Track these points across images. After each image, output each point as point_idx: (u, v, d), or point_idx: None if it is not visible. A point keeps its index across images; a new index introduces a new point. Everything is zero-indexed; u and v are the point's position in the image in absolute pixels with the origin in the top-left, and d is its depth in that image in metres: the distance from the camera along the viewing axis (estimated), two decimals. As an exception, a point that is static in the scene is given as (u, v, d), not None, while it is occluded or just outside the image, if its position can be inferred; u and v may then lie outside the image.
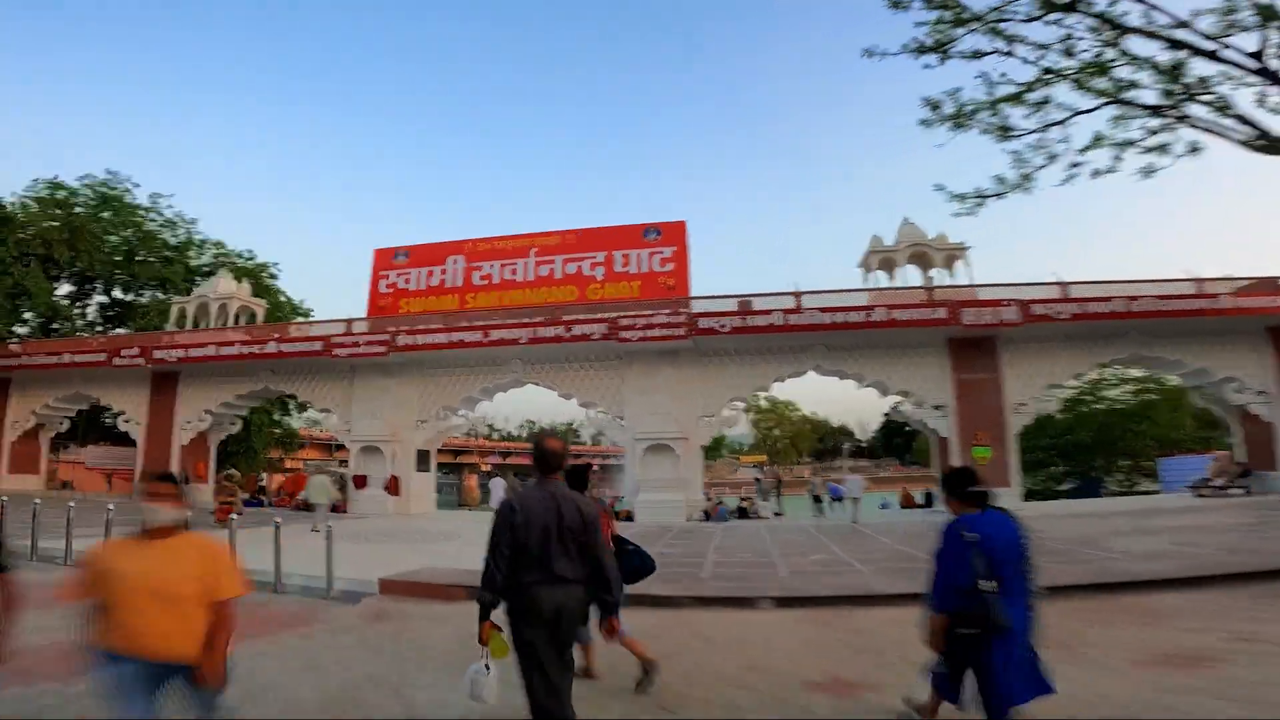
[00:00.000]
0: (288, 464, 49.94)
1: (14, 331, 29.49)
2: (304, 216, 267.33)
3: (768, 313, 19.97)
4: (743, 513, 20.75)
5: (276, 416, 36.72)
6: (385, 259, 25.80)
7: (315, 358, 23.73)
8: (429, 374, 23.59)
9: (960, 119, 9.59)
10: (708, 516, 20.26)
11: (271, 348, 24.34)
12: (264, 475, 31.33)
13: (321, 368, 24.90)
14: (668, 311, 20.70)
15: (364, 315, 25.05)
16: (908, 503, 23.17)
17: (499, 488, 24.95)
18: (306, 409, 36.69)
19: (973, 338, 19.97)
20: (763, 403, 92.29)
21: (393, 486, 22.94)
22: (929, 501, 22.92)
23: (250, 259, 37.55)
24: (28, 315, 30.19)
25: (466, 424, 24.61)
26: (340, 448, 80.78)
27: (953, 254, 21.04)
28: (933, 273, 21.67)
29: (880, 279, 22.11)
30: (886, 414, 23.57)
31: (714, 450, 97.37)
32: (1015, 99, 9.56)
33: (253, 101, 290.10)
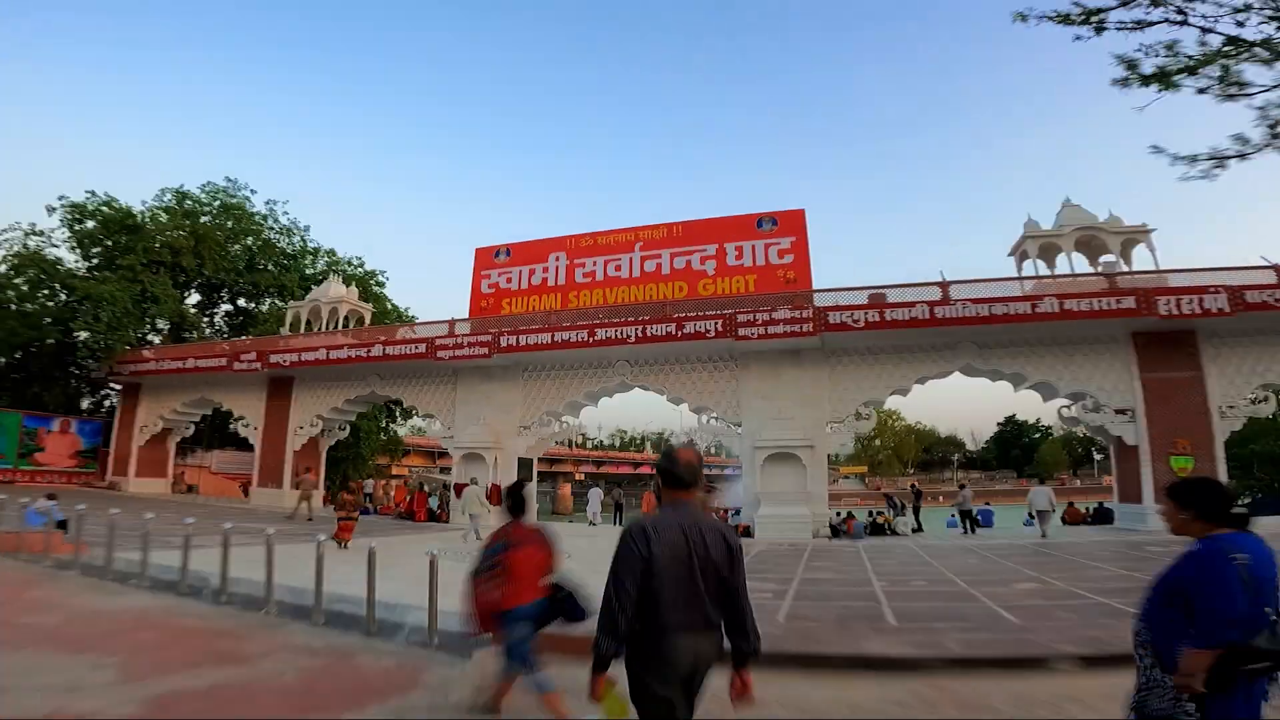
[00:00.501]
0: (394, 471, 50.81)
1: (146, 339, 30.76)
2: (407, 219, 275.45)
3: (910, 305, 17.23)
4: (877, 528, 18.01)
5: (383, 423, 36.90)
6: (486, 258, 24.88)
7: (419, 360, 22.98)
8: (532, 377, 22.30)
9: (1166, 78, 7.96)
10: (836, 533, 17.67)
11: (377, 351, 23.81)
12: (370, 482, 31.19)
13: (425, 371, 24.18)
14: (790, 306, 18.37)
15: (466, 317, 24.17)
16: (1074, 518, 19.57)
17: (596, 497, 23.33)
18: (411, 415, 36.79)
19: (1166, 331, 16.42)
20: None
21: (494, 496, 21.68)
22: (1102, 517, 19.28)
23: (359, 265, 38.15)
24: (160, 324, 31.46)
25: (569, 430, 23.19)
26: (443, 454, 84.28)
27: (1132, 238, 17.55)
28: (1107, 259, 18.20)
29: (1039, 268, 18.84)
30: (1062, 417, 20.16)
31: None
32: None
33: (352, 96, 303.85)
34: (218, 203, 34.21)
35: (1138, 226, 17.56)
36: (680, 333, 18.86)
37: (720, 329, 18.45)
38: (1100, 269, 17.67)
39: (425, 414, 24.36)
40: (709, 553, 2.62)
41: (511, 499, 4.46)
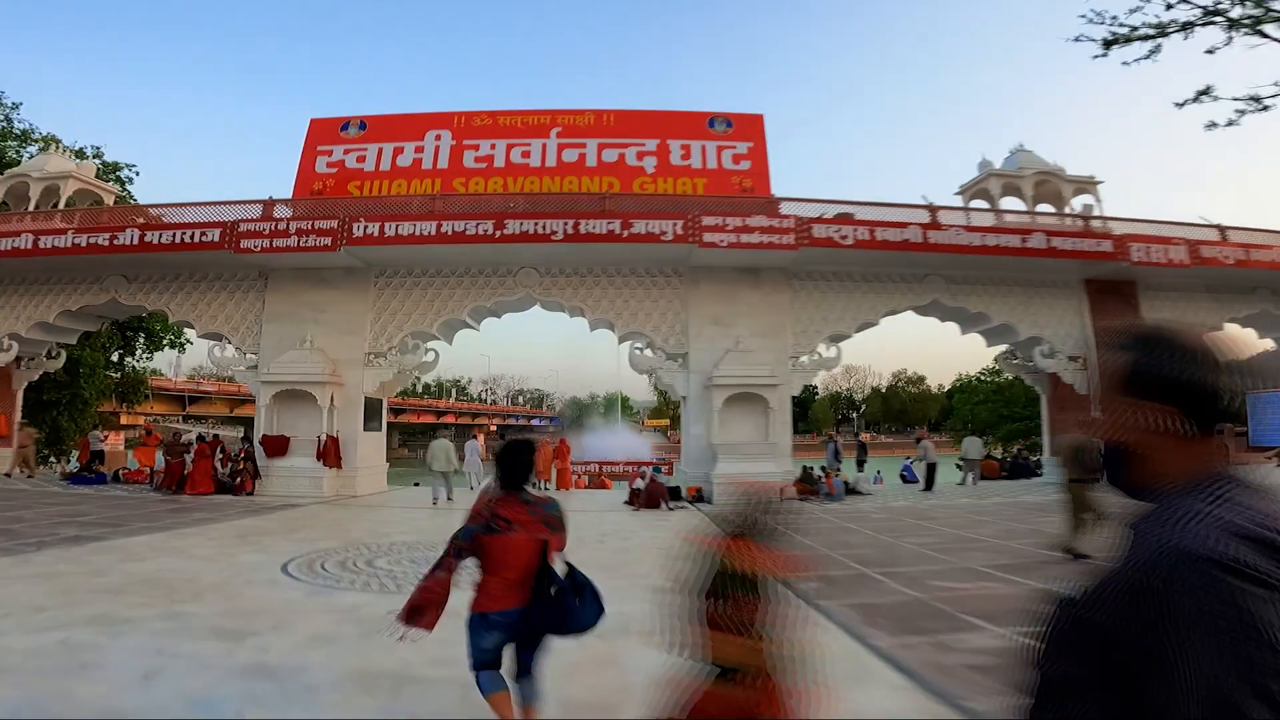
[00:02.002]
0: (124, 420, 36.38)
1: None
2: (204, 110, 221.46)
3: (901, 225, 14.07)
4: (845, 488, 14.68)
5: (115, 354, 25.05)
6: (327, 132, 16.84)
7: (206, 253, 14.42)
8: (391, 285, 15.13)
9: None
10: (807, 495, 13.89)
11: (128, 238, 14.62)
12: (100, 434, 20.30)
13: (212, 272, 15.52)
14: (764, 214, 14.18)
15: (288, 198, 15.98)
16: (991, 471, 18.23)
17: (473, 452, 16.97)
18: (160, 344, 25.62)
19: (1112, 280, 15.43)
20: None
21: (331, 453, 14.18)
22: (1019, 470, 18.24)
23: (98, 155, 25.65)
24: None
25: (436, 362, 16.25)
26: (198, 399, 66.12)
27: (1082, 187, 16.57)
28: (1084, 199, 16.85)
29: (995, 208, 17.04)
30: (1003, 364, 18.59)
31: (615, 408, 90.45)
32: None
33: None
34: None
35: (1087, 177, 16.61)
36: (627, 233, 13.56)
37: (680, 232, 13.56)
38: (1069, 211, 16.35)
39: (207, 334, 15.63)
40: None
41: (504, 464, 3.05)
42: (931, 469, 15.94)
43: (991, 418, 31.38)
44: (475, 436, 17.53)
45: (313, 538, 8.91)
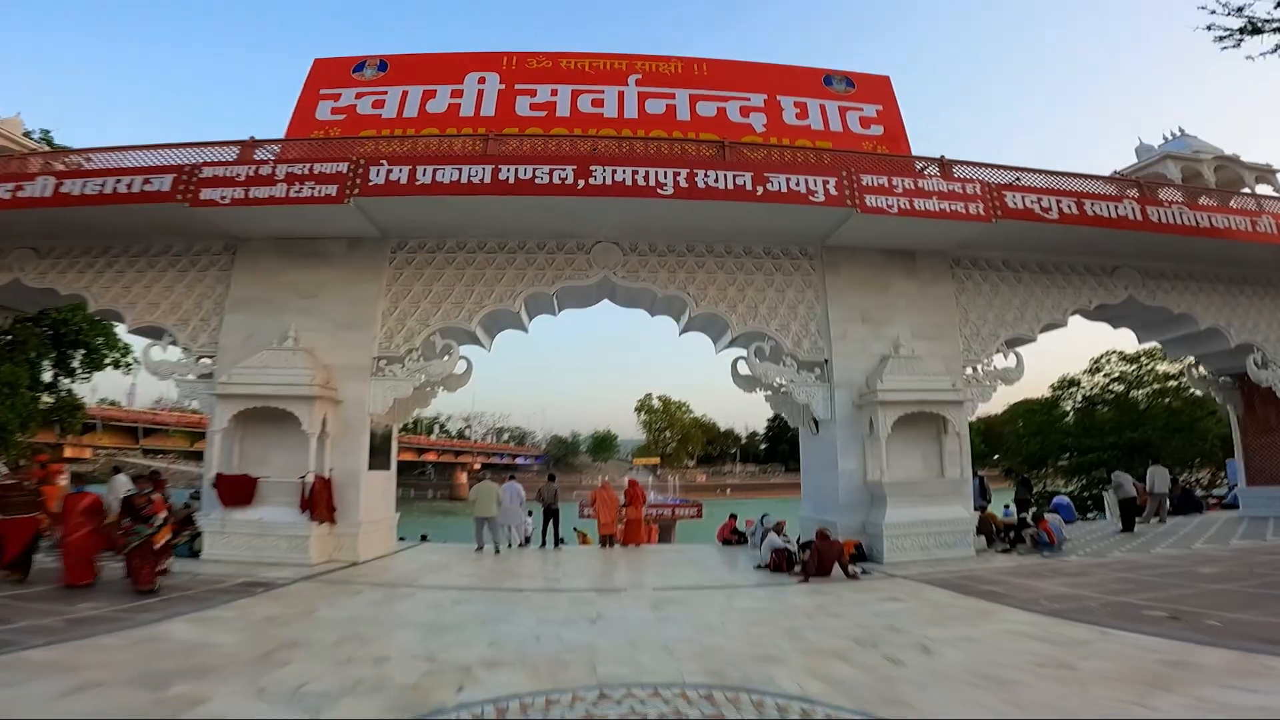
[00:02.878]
0: (69, 454, 29.25)
1: None
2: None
3: (1115, 199, 10.43)
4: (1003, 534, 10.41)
5: (45, 372, 18.99)
6: (335, 72, 12.42)
7: (151, 207, 9.67)
8: (417, 264, 10.49)
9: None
10: (996, 541, 9.58)
11: (40, 188, 9.77)
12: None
13: (156, 241, 10.69)
14: (938, 175, 10.34)
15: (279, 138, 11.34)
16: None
17: (514, 497, 12.15)
18: (104, 364, 19.83)
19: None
20: (655, 402, 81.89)
21: (322, 501, 9.21)
22: (1188, 504, 14.43)
23: (46, 140, 20.10)
24: None
25: (468, 375, 11.42)
26: (153, 432, 56.87)
27: (1263, 175, 13.40)
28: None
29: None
30: (1196, 376, 15.11)
31: (602, 446, 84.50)
32: None
33: None
34: None
35: (1264, 165, 13.56)
36: (761, 189, 9.46)
37: (833, 192, 9.54)
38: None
39: (141, 328, 10.61)
40: None
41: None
42: (1129, 505, 11.87)
43: (1048, 448, 27.70)
44: (513, 477, 12.61)
45: (315, 683, 4.10)
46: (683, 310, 10.97)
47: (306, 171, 9.63)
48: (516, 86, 12.06)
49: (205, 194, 9.63)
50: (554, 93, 11.98)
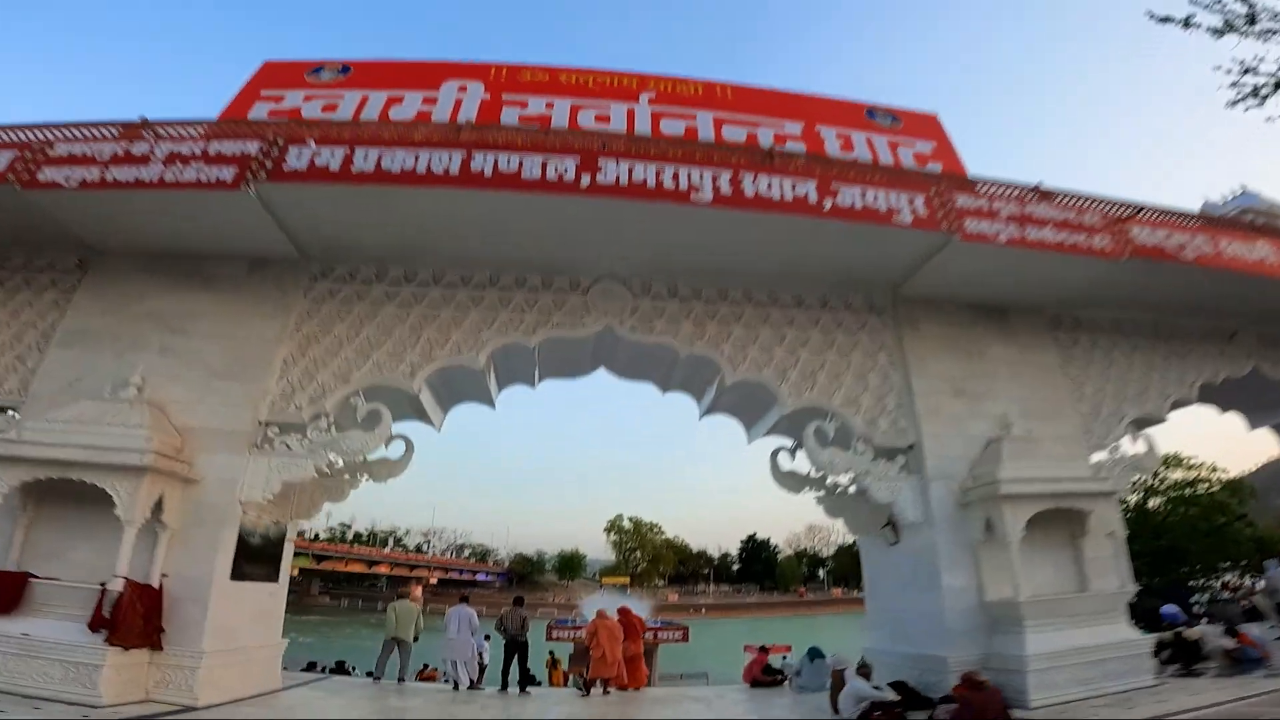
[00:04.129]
0: None
1: None
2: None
3: (1249, 237, 7.99)
4: (1186, 651, 6.95)
5: None
6: (286, 76, 9.73)
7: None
8: (343, 297, 7.26)
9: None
10: (1177, 661, 6.06)
11: None
12: None
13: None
14: (1034, 199, 7.80)
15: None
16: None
17: (463, 623, 8.13)
18: None
19: None
20: (626, 523, 75.81)
21: (130, 616, 5.34)
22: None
23: None
24: None
25: (407, 458, 7.86)
26: None
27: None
28: None
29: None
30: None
31: (569, 566, 76.70)
32: None
33: None
34: None
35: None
36: (830, 203, 6.70)
37: (922, 213, 6.84)
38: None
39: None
40: None
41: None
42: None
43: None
44: (465, 599, 8.71)
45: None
46: (711, 380, 7.83)
47: (198, 152, 6.57)
48: (504, 97, 9.48)
49: (46, 174, 6.45)
50: (549, 105, 9.41)
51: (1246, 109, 9.53)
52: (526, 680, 7.72)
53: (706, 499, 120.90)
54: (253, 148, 6.54)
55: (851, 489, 7.77)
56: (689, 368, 7.77)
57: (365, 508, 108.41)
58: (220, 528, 6.10)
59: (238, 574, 6.27)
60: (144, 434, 5.83)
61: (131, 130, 7.36)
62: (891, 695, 5.72)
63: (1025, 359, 7.93)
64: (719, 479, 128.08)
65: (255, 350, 6.83)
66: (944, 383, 7.51)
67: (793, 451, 7.84)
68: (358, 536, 70.56)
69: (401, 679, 7.89)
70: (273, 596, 6.91)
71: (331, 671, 10.66)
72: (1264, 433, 10.50)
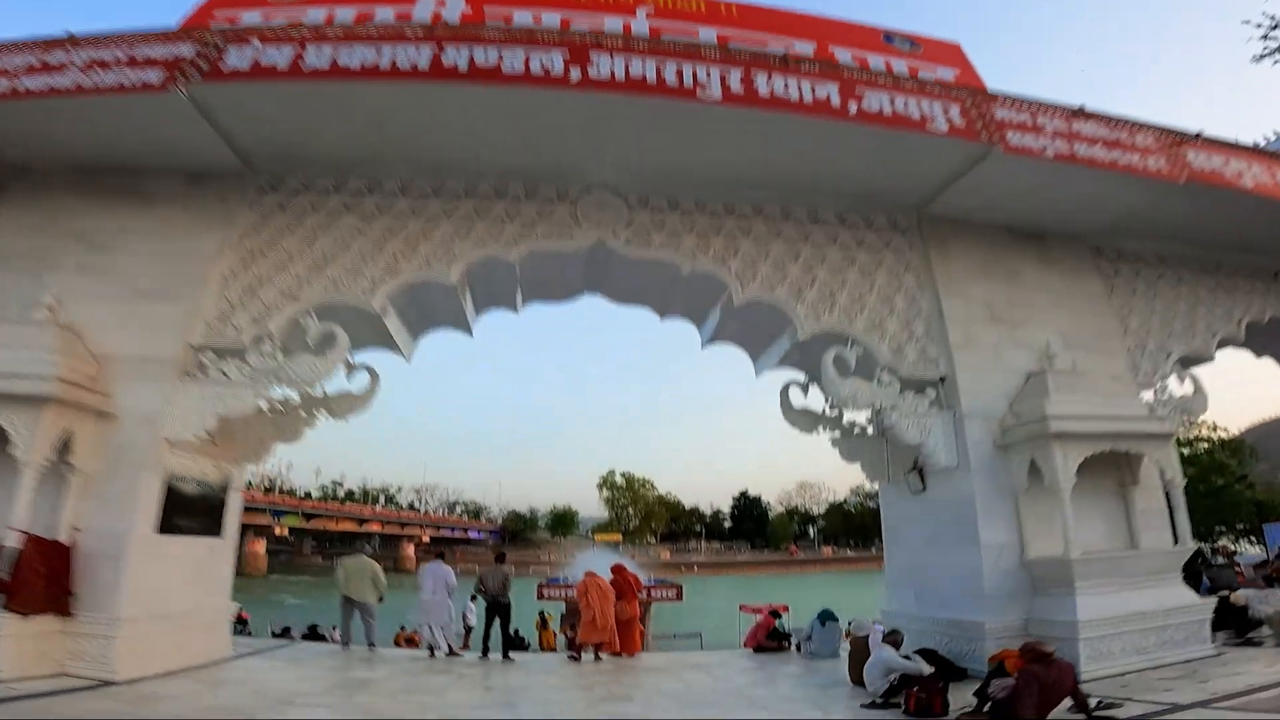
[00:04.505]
0: None
1: None
2: None
3: None
4: (1235, 618, 6.25)
5: None
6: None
7: None
8: (296, 208, 6.19)
9: None
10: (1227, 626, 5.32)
11: None
12: None
13: None
14: (1090, 121, 6.88)
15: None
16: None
17: (438, 582, 7.21)
18: None
19: None
20: (619, 479, 74.76)
21: (30, 578, 4.40)
22: None
23: None
24: None
25: (372, 391, 6.89)
26: None
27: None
28: None
29: None
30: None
31: (562, 523, 75.50)
32: None
33: None
34: None
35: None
36: (856, 106, 5.77)
37: (958, 121, 5.91)
38: None
39: None
40: None
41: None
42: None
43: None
44: (441, 556, 7.76)
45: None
46: (715, 303, 6.90)
47: (123, 57, 5.52)
48: (486, 10, 8.40)
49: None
50: (536, 19, 8.31)
51: (1275, 63, 8.82)
52: (510, 645, 6.84)
53: (700, 454, 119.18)
54: (187, 50, 5.52)
55: (870, 429, 6.92)
56: (691, 289, 6.81)
57: (355, 466, 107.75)
58: (141, 471, 5.12)
59: (168, 527, 5.31)
60: (50, 360, 4.82)
61: (51, 43, 6.27)
62: (925, 667, 4.89)
63: (1067, 286, 7.07)
64: (714, 433, 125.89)
65: (189, 267, 5.81)
66: (979, 308, 6.63)
67: (805, 387, 6.94)
68: (350, 494, 69.22)
69: (371, 644, 7.01)
70: (213, 553, 5.94)
71: (304, 637, 9.79)
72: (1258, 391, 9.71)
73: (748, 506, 78.64)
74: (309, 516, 56.18)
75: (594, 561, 8.08)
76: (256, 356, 5.68)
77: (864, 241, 6.82)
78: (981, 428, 6.05)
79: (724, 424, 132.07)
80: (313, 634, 10.44)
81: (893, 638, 5.11)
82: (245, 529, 53.41)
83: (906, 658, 5.02)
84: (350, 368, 6.37)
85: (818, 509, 79.81)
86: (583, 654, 6.77)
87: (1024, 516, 5.78)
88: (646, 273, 6.82)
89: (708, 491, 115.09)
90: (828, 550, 72.22)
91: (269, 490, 56.05)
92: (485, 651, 6.78)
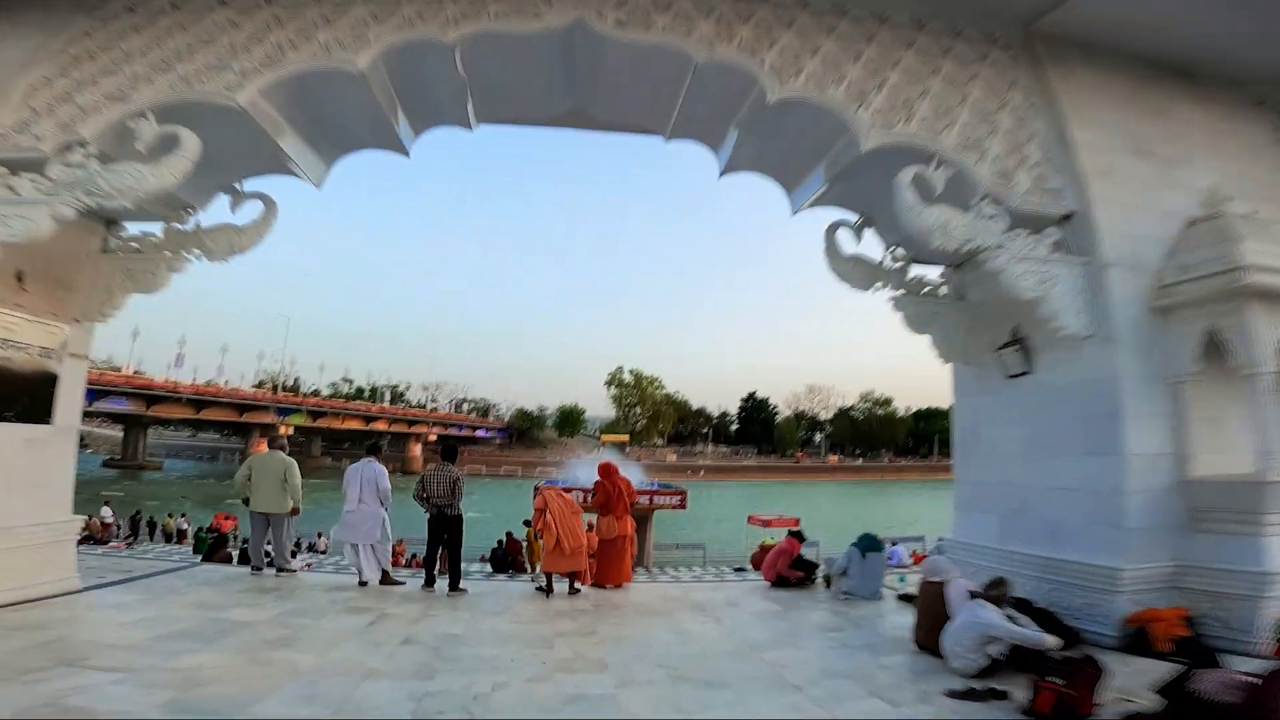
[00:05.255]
0: None
1: None
2: None
3: None
4: None
5: None
6: None
7: None
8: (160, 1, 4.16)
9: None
10: None
11: None
12: None
13: None
14: None
15: None
16: None
17: (368, 487, 5.46)
18: None
19: None
20: (627, 376, 73.49)
21: None
22: None
23: None
24: None
25: (266, 223, 4.55)
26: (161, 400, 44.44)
27: None
28: None
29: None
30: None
31: (569, 421, 74.42)
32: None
33: None
34: None
35: None
36: None
37: None
38: None
39: None
40: None
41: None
42: None
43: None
44: (373, 451, 5.91)
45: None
46: (736, 114, 4.75)
47: None
48: None
49: None
50: None
51: None
52: (456, 576, 5.25)
53: (709, 353, 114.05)
54: None
55: (944, 289, 5.00)
56: (706, 94, 4.65)
57: (360, 361, 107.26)
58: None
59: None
60: None
61: None
62: (1049, 640, 3.19)
63: (1227, 128, 4.88)
64: (725, 332, 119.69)
65: None
66: (1119, 138, 4.49)
67: (858, 229, 4.99)
68: (359, 392, 68.42)
69: (279, 568, 5.45)
70: (35, 447, 4.22)
71: (239, 556, 8.41)
72: None
73: (755, 409, 76.39)
74: (315, 414, 54.12)
75: (598, 463, 6.29)
76: (59, 168, 3.73)
77: (951, 50, 4.57)
78: (1131, 282, 4.11)
79: (735, 324, 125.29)
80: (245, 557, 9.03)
81: (997, 590, 3.40)
82: (248, 429, 52.20)
83: (1010, 618, 3.34)
84: (238, 196, 4.75)
85: (825, 414, 77.82)
86: (554, 586, 5.22)
87: (1187, 416, 3.94)
88: (644, 70, 4.62)
89: (715, 393, 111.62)
90: (833, 459, 71.22)
91: (274, 388, 54.36)
92: (430, 580, 5.21)
